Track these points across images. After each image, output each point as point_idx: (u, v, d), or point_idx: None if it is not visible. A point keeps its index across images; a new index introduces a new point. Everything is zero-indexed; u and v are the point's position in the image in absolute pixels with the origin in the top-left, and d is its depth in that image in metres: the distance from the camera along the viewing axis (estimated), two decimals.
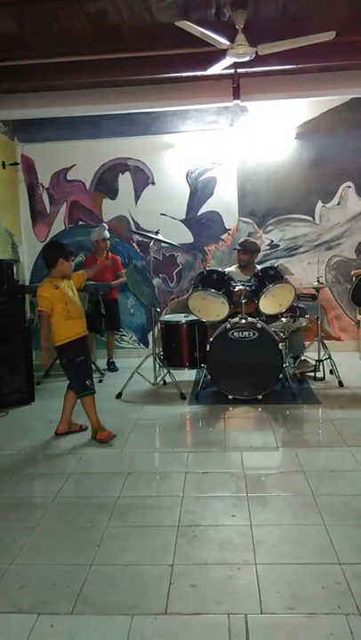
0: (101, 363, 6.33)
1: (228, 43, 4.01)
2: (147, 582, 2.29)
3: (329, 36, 3.87)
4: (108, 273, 6.16)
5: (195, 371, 5.61)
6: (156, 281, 6.79)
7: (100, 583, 2.30)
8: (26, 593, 2.25)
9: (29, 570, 2.42)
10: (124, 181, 6.83)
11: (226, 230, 6.78)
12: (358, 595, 2.13)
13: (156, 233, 5.41)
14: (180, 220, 6.78)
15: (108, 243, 6.30)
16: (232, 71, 4.83)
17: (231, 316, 4.93)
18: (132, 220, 6.83)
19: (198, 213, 6.79)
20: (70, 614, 2.11)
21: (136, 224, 6.80)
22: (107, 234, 6.25)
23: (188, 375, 5.61)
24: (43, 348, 4.03)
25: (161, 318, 5.75)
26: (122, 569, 2.39)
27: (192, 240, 6.80)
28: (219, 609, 2.09)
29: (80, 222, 6.93)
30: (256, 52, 4.08)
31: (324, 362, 5.45)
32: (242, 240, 6.02)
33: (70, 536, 2.70)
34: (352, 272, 6.40)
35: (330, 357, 5.38)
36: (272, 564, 2.37)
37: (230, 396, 4.80)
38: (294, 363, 5.34)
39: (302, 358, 5.52)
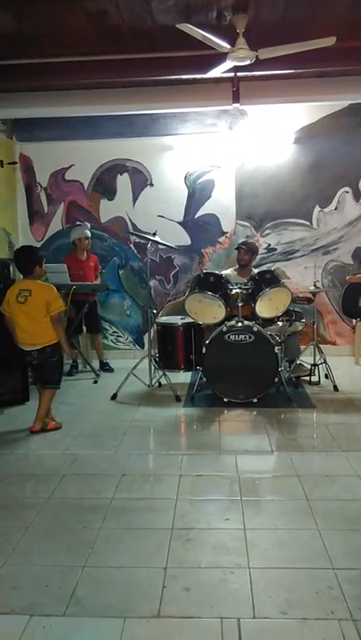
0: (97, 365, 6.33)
1: (228, 46, 4.01)
2: (140, 585, 2.28)
3: (329, 41, 3.88)
4: (90, 272, 6.15)
5: (190, 373, 5.59)
6: (152, 282, 6.77)
7: (92, 585, 2.29)
8: (18, 594, 2.24)
9: (22, 571, 2.41)
10: (123, 182, 6.81)
11: (223, 233, 6.77)
12: (351, 600, 2.13)
13: (154, 234, 5.40)
14: (178, 222, 6.78)
15: (90, 242, 6.26)
16: (232, 75, 4.83)
17: (228, 318, 4.93)
18: (130, 221, 6.81)
19: (196, 216, 6.78)
20: (63, 616, 2.10)
21: (133, 225, 6.78)
22: (88, 232, 6.22)
23: (183, 377, 5.59)
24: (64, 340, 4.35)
25: (157, 320, 5.74)
26: (115, 571, 2.39)
27: (189, 242, 6.79)
28: (212, 613, 2.09)
29: (77, 222, 6.90)
30: (256, 56, 4.09)
31: (320, 366, 5.45)
32: (244, 240, 6.10)
33: (63, 537, 2.69)
34: (347, 277, 6.42)
35: (325, 362, 5.39)
36: (265, 569, 2.37)
37: (225, 399, 4.80)
38: (290, 366, 5.35)
39: (298, 362, 5.52)
